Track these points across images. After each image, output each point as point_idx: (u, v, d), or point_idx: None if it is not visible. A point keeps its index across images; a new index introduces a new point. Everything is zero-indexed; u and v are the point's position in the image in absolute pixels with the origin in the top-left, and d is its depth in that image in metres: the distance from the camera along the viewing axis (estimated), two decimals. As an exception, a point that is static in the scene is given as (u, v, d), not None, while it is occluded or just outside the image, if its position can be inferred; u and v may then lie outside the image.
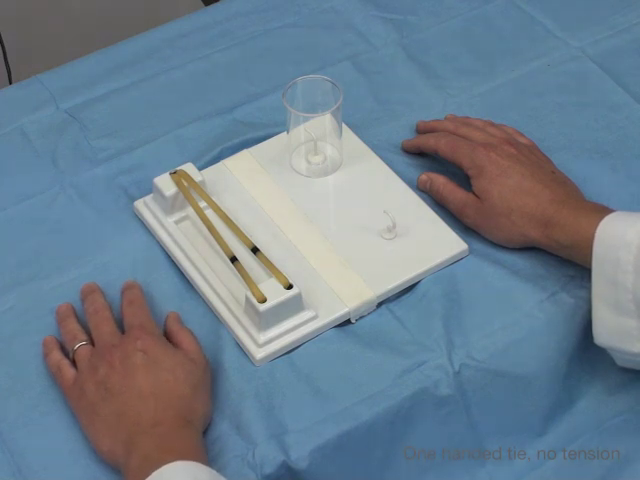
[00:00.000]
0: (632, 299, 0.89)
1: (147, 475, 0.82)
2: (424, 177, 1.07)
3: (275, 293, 0.94)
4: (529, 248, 1.01)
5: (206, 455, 0.87)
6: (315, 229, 1.04)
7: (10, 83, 1.86)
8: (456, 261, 1.02)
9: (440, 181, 1.05)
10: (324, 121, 1.05)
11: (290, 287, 0.95)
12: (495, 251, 1.02)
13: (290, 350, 0.96)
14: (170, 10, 1.59)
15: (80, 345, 0.94)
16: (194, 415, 0.89)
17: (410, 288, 1.00)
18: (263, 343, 0.95)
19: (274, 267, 0.96)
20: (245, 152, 1.11)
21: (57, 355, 0.95)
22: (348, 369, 0.95)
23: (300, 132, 1.07)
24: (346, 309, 0.98)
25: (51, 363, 0.94)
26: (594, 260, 0.91)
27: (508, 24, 1.24)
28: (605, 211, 0.94)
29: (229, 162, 1.10)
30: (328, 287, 0.99)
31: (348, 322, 0.98)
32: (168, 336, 0.95)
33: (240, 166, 1.09)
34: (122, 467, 0.86)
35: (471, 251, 1.02)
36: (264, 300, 0.94)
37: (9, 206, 1.09)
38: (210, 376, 0.93)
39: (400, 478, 0.94)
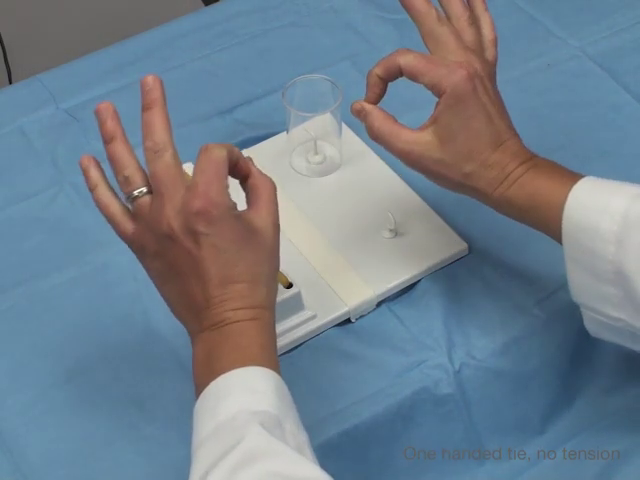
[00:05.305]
0: (612, 269, 0.83)
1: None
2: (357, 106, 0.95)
3: (275, 292, 0.94)
4: (529, 247, 1.01)
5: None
6: (315, 229, 1.04)
7: (10, 83, 1.87)
8: (456, 260, 1.02)
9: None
10: (324, 120, 1.06)
11: (290, 286, 0.95)
12: (495, 250, 1.02)
13: (290, 349, 0.96)
14: (170, 10, 1.59)
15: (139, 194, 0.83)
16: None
17: (410, 287, 1.00)
18: (263, 342, 0.95)
19: (274, 266, 0.96)
20: (245, 152, 1.11)
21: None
22: (348, 368, 0.95)
23: (300, 132, 1.07)
24: (346, 308, 0.98)
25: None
26: (565, 225, 0.84)
27: (508, 24, 1.24)
28: (559, 171, 0.88)
29: (229, 162, 1.10)
30: (328, 286, 0.99)
31: (348, 321, 0.99)
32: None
33: (240, 166, 1.09)
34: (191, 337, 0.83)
35: (471, 250, 1.02)
36: (264, 299, 0.94)
37: (9, 206, 1.09)
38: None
39: (400, 477, 0.94)
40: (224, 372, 0.78)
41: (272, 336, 0.83)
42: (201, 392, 0.78)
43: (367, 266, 1.00)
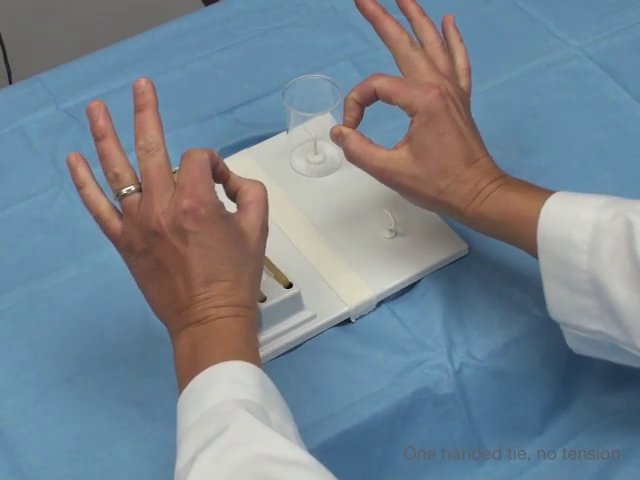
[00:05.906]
0: (587, 279, 0.84)
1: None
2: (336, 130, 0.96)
3: (275, 292, 0.94)
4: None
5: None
6: (315, 229, 1.04)
7: (10, 83, 1.87)
8: (456, 260, 1.02)
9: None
10: (324, 120, 1.06)
11: (290, 286, 0.95)
12: (495, 250, 1.02)
13: (290, 349, 0.96)
14: (170, 10, 1.59)
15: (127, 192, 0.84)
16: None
17: (410, 287, 1.00)
18: (263, 342, 0.95)
19: (274, 266, 0.96)
20: (245, 152, 1.11)
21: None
22: (348, 368, 0.95)
23: (300, 132, 1.07)
24: (346, 308, 0.98)
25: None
26: (540, 237, 0.86)
27: (508, 24, 1.24)
28: (530, 187, 0.90)
29: (229, 162, 1.08)
30: (328, 286, 0.99)
31: (348, 321, 0.99)
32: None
33: (240, 166, 1.09)
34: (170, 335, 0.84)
35: (471, 250, 1.02)
36: (264, 299, 0.94)
37: (9, 206, 1.09)
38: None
39: (400, 477, 0.94)
40: (208, 366, 0.79)
41: (254, 334, 0.84)
42: (185, 386, 0.79)
43: (367, 266, 1.00)
